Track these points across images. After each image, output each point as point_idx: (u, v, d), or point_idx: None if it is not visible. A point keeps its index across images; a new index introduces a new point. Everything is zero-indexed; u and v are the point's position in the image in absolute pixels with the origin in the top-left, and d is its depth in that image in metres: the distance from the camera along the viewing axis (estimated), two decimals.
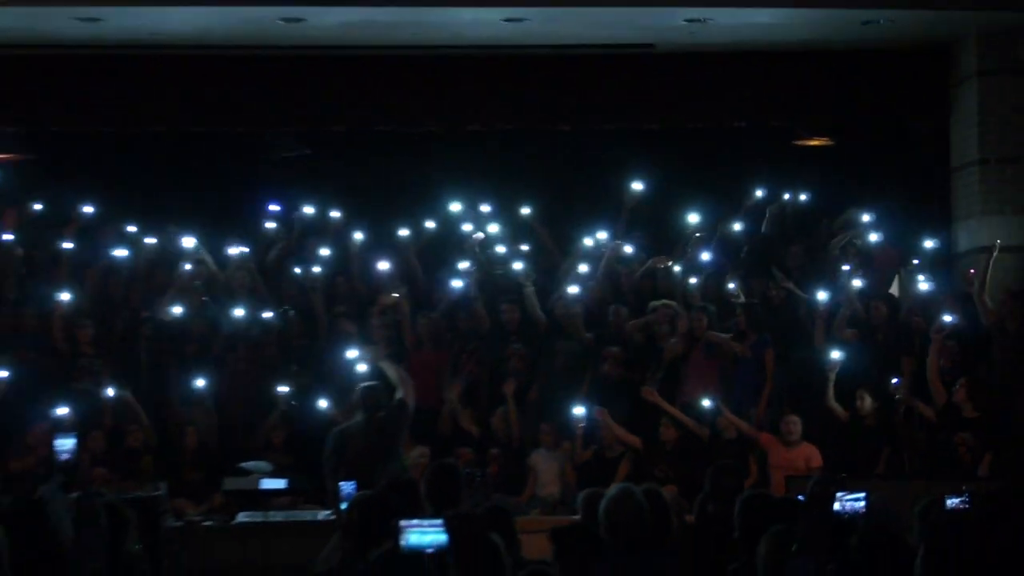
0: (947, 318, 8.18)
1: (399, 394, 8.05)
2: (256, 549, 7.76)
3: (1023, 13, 9.03)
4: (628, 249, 9.56)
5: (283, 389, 8.35)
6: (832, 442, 7.99)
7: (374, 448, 7.76)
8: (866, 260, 9.31)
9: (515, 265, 9.19)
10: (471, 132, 9.86)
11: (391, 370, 8.15)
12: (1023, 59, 9.39)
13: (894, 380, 8.09)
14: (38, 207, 9.40)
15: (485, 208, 9.55)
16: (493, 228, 9.54)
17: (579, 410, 8.16)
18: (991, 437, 7.65)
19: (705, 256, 9.34)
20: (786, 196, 9.77)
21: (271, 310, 8.84)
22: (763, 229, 9.67)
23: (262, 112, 9.62)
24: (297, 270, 9.15)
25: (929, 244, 9.44)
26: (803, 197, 9.81)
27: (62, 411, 7.69)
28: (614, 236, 9.53)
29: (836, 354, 8.18)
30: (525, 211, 9.62)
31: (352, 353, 8.23)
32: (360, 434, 7.84)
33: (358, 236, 9.38)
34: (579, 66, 9.82)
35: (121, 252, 9.18)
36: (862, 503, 5.23)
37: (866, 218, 9.46)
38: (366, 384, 7.96)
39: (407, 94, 9.75)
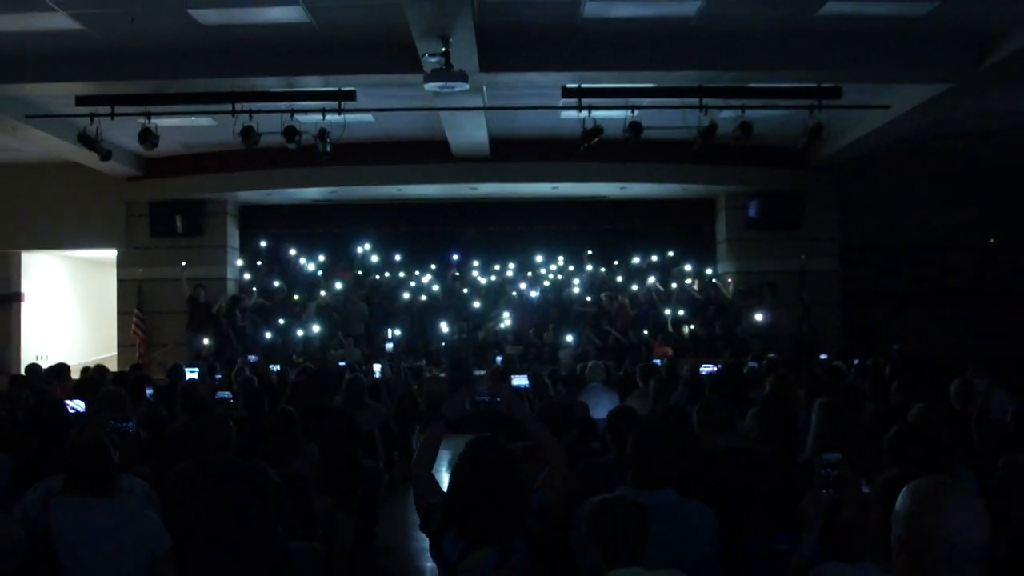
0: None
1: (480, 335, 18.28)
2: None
3: (742, 186, 17.73)
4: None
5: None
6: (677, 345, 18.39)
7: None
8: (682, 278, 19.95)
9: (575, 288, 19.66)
10: (539, 230, 19.81)
11: None
12: (741, 205, 18.48)
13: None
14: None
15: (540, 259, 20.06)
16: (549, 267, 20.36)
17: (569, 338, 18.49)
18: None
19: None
20: (655, 257, 20.07)
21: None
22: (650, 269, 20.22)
23: (456, 219, 19.84)
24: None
25: (708, 271, 19.66)
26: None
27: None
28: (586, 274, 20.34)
29: (668, 311, 18.74)
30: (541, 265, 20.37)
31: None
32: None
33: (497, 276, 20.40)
34: (579, 204, 19.26)
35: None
36: (714, 368, 10.33)
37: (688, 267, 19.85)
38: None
39: (512, 216, 19.47)
